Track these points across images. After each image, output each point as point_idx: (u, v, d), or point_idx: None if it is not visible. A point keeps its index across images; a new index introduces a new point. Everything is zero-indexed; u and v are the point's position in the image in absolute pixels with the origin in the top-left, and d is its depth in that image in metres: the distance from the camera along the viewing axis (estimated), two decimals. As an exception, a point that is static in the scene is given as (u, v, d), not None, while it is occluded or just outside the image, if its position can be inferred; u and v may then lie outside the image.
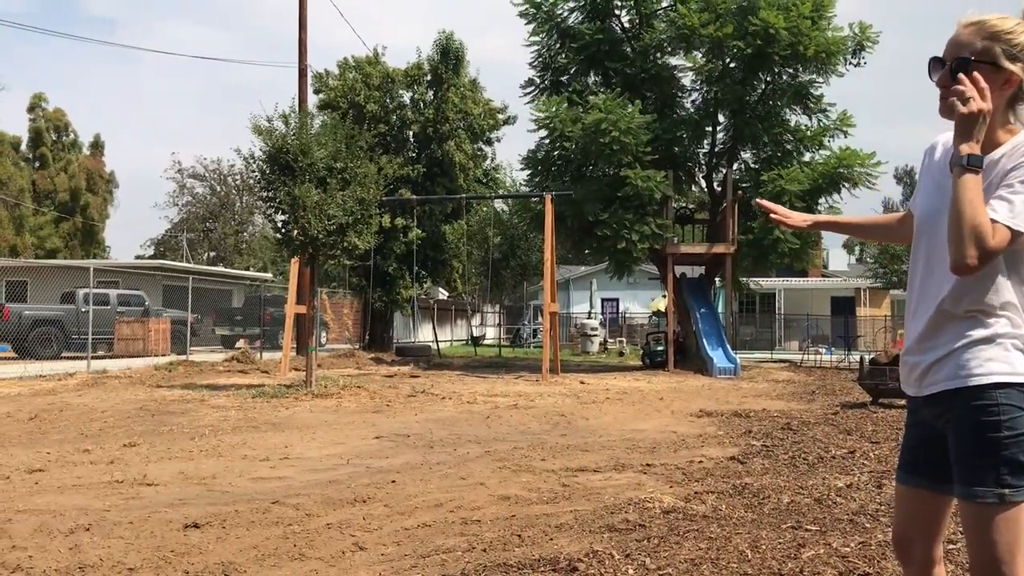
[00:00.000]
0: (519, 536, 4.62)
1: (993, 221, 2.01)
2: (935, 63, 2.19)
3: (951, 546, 4.22)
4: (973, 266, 2.00)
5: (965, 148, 2.02)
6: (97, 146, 57.61)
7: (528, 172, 22.15)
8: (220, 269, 42.13)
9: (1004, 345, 2.12)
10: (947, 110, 2.15)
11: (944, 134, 2.36)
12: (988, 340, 2.12)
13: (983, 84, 2.07)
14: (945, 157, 2.28)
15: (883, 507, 5.17)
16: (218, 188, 61.81)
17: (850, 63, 21.04)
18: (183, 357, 20.96)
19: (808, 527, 4.76)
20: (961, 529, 2.23)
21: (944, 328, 2.17)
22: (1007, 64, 2.11)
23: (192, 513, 5.15)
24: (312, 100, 25.08)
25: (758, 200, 2.90)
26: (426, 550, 4.38)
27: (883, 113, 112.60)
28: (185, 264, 40.09)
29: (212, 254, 61.62)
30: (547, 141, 20.80)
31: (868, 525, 4.79)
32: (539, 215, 20.41)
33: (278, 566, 4.15)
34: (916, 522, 2.34)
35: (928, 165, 2.37)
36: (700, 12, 19.62)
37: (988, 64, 2.11)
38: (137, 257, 55.52)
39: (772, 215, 2.73)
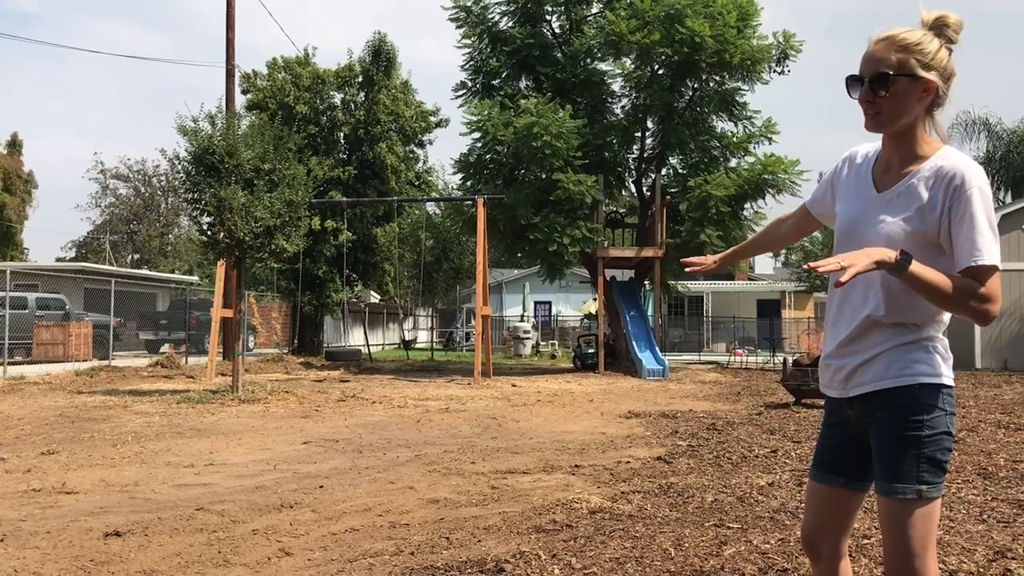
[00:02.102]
0: (447, 539, 4.64)
1: (972, 266, 2.11)
2: (852, 81, 2.27)
3: (865, 540, 4.38)
4: (996, 313, 2.12)
5: (887, 260, 2.07)
6: (15, 145, 55.64)
7: (461, 175, 22.16)
8: (144, 272, 41.15)
9: (927, 347, 2.22)
10: (872, 124, 2.25)
11: (864, 145, 2.44)
12: (913, 343, 2.21)
13: (901, 98, 2.19)
14: (867, 168, 2.36)
15: (803, 504, 5.32)
16: (142, 189, 60.46)
17: (774, 71, 21.55)
18: (105, 362, 20.40)
19: (730, 525, 4.87)
20: (877, 524, 2.32)
21: (869, 334, 2.25)
22: (923, 73, 2.19)
23: (113, 521, 5.04)
24: (240, 100, 24.73)
25: (683, 260, 3.16)
26: (353, 554, 4.37)
27: (807, 120, 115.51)
28: (108, 267, 39.04)
29: (136, 256, 60.24)
30: (479, 144, 20.83)
31: (788, 522, 4.93)
32: (472, 218, 20.43)
33: (202, 573, 4.09)
34: (828, 519, 2.43)
35: (847, 174, 2.43)
36: (628, 19, 19.87)
37: (906, 76, 2.20)
38: (57, 259, 53.96)
39: (692, 268, 2.95)
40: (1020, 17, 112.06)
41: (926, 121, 2.26)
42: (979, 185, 2.14)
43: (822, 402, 2.51)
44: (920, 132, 2.25)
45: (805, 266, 2.20)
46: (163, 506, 5.51)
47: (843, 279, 2.02)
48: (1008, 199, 31.79)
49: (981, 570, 3.97)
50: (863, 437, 2.30)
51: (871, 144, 2.40)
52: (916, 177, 2.21)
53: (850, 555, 2.57)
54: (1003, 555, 4.19)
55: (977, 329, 22.79)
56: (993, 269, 2.10)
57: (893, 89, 2.19)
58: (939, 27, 2.23)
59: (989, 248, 2.11)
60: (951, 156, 2.20)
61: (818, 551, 2.44)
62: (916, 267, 2.07)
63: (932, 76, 2.20)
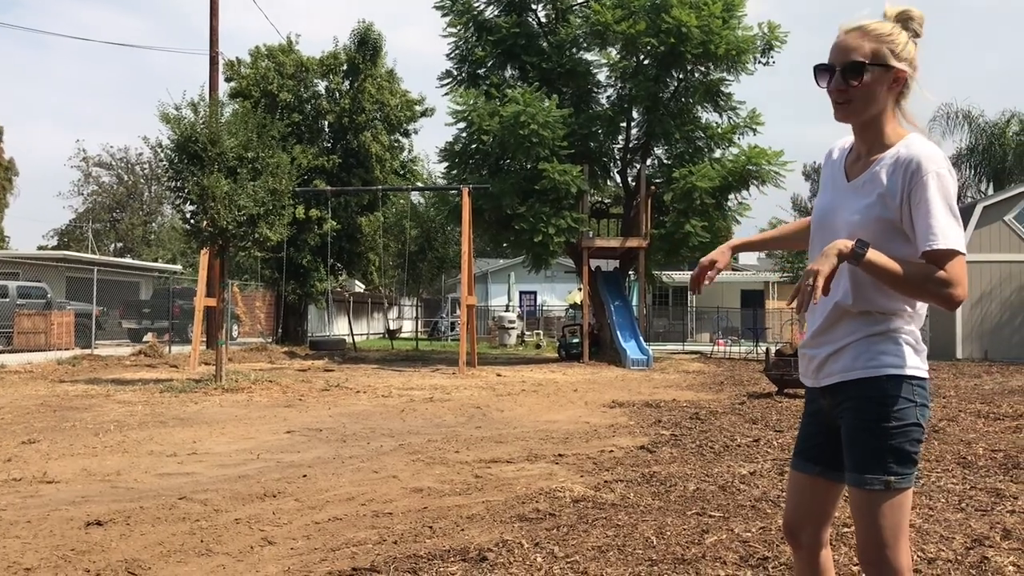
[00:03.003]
0: (431, 528, 4.64)
1: (928, 251, 2.10)
2: (822, 70, 2.29)
3: (845, 529, 4.41)
4: (962, 297, 2.10)
5: (844, 251, 2.10)
6: (-5, 132, 55.10)
7: (446, 165, 22.13)
8: (127, 260, 40.88)
9: (896, 339, 2.23)
10: (841, 113, 2.29)
11: (843, 139, 2.46)
12: (881, 334, 2.23)
13: (872, 88, 2.22)
14: (840, 159, 2.40)
15: (784, 493, 5.35)
16: (125, 177, 60.06)
17: (759, 62, 21.59)
18: (88, 351, 20.28)
19: (712, 513, 4.90)
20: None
21: (840, 324, 2.27)
22: (895, 63, 2.23)
23: (95, 510, 5.02)
24: (223, 88, 24.49)
25: (695, 274, 2.65)
26: (336, 543, 4.37)
27: (791, 111, 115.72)
28: (90, 255, 38.77)
29: (119, 245, 59.87)
30: (465, 134, 20.77)
31: (769, 511, 4.96)
32: (457, 208, 20.40)
33: (184, 562, 4.08)
34: (808, 508, 2.45)
35: (826, 168, 2.47)
36: (614, 9, 19.86)
37: (879, 66, 2.23)
38: (39, 248, 53.53)
39: (710, 281, 2.61)
40: (1005, 11, 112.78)
41: (895, 110, 2.29)
42: (936, 170, 2.14)
43: (804, 392, 2.53)
44: (888, 121, 2.28)
45: (788, 306, 2.20)
46: (145, 495, 5.49)
47: (818, 293, 2.05)
48: (990, 191, 32.01)
49: (959, 558, 4.01)
50: (837, 426, 2.32)
51: (849, 138, 2.42)
52: (879, 165, 2.24)
53: (831, 544, 2.59)
54: (981, 543, 4.24)
55: (958, 319, 22.96)
56: (952, 253, 2.09)
57: (866, 78, 2.23)
58: (904, 20, 2.27)
59: (945, 232, 2.10)
60: (911, 143, 2.22)
61: (798, 539, 2.46)
62: (872, 255, 2.09)
63: (903, 66, 2.24)
